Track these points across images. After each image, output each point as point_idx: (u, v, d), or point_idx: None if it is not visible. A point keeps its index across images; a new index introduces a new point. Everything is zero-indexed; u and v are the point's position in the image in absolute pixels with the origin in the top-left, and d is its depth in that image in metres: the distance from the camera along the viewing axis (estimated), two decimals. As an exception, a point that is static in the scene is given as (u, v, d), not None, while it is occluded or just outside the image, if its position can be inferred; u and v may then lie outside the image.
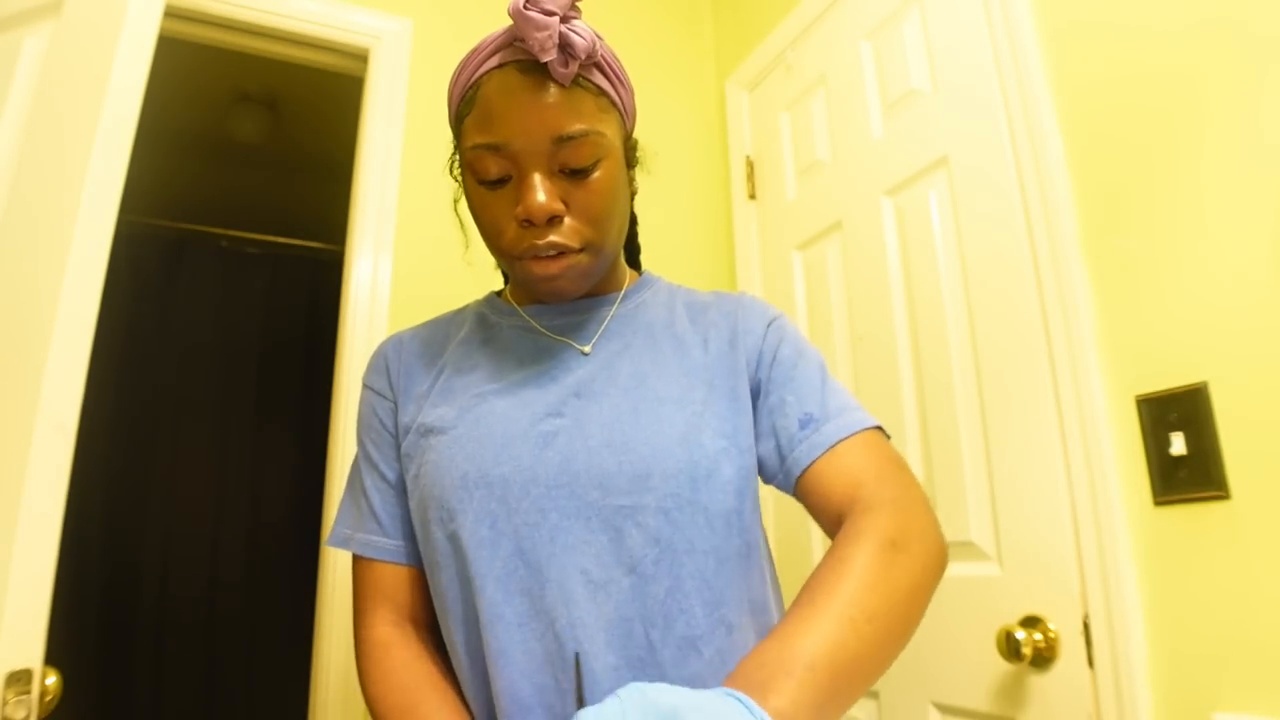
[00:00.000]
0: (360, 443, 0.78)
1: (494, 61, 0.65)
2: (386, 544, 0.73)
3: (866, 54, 1.47)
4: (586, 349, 0.74)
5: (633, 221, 0.86)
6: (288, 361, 2.79)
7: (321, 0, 1.61)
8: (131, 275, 2.50)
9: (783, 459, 0.69)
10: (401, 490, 0.75)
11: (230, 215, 2.83)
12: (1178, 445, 0.90)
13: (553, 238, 0.65)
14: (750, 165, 1.82)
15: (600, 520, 0.64)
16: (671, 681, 0.57)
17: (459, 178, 0.74)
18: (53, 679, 0.88)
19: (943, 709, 1.15)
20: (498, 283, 0.94)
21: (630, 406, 0.68)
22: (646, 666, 0.61)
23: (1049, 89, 1.11)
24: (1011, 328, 1.12)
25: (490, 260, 0.79)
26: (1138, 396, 0.95)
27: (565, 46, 0.62)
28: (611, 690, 0.53)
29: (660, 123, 1.89)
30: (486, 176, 0.66)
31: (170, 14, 1.25)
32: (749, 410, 0.72)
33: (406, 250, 1.55)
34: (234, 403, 2.70)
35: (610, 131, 0.68)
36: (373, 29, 1.64)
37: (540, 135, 0.63)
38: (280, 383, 2.78)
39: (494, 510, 0.65)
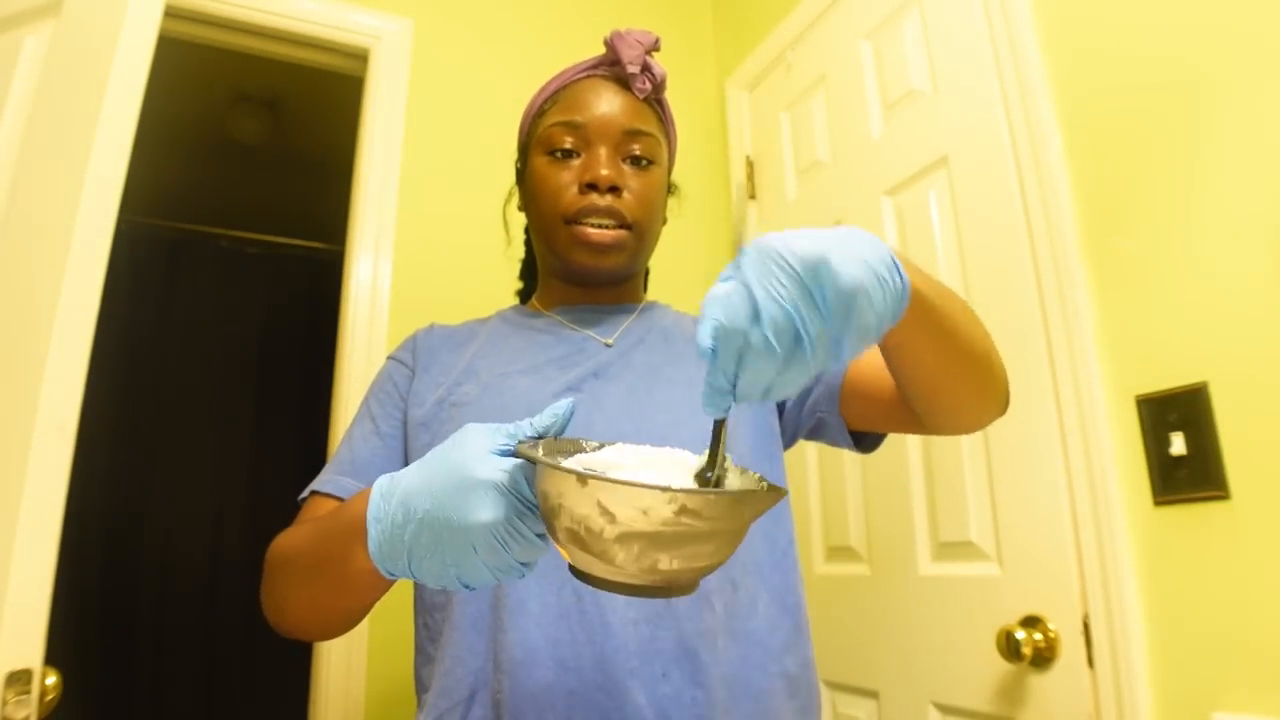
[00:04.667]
0: (364, 402, 0.80)
1: (583, 74, 0.80)
2: (353, 486, 0.71)
3: (866, 54, 1.47)
4: (610, 340, 0.80)
5: None
6: (288, 361, 2.79)
7: (321, 0, 1.61)
8: (131, 275, 2.50)
9: (811, 391, 0.77)
10: (389, 446, 0.75)
11: (230, 215, 2.83)
12: (1178, 445, 0.90)
13: (612, 203, 0.75)
14: (750, 165, 1.81)
15: None
16: (686, 634, 0.63)
17: (519, 172, 0.84)
18: (53, 679, 0.89)
19: (943, 709, 1.15)
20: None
21: (645, 387, 0.74)
22: (663, 619, 0.65)
23: (1049, 89, 1.11)
24: (1011, 327, 1.12)
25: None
26: (1138, 396, 0.95)
27: (646, 68, 0.78)
28: (625, 645, 0.61)
29: (660, 123, 1.89)
30: (559, 146, 0.77)
31: (170, 14, 1.25)
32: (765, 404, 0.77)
33: (406, 250, 1.55)
34: (234, 403, 2.70)
35: (663, 151, 0.81)
36: (373, 29, 1.64)
37: (614, 124, 0.76)
38: (280, 383, 2.78)
39: None
